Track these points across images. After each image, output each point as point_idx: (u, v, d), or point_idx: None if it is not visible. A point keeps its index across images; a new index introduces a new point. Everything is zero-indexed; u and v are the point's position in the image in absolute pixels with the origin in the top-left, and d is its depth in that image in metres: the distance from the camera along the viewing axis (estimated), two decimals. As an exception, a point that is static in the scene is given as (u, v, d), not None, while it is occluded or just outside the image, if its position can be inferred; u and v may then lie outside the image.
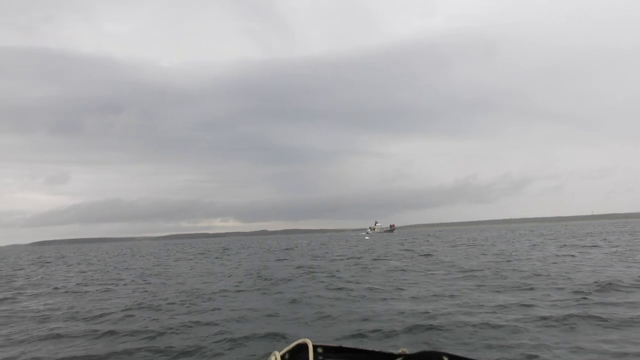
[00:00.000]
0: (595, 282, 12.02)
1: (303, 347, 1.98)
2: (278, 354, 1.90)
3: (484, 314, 8.97)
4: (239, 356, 7.12)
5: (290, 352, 2.00)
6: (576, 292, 10.83)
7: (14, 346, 8.13)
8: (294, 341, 2.05)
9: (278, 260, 29.23)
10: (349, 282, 15.10)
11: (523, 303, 9.82)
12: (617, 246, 27.15)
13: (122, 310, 10.98)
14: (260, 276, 17.90)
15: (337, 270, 19.33)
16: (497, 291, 11.82)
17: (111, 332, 8.72)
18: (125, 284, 17.51)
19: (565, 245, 30.92)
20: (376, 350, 2.01)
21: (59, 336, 8.66)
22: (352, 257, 28.22)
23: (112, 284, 17.94)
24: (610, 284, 11.62)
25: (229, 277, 18.66)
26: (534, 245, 32.84)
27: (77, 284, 18.29)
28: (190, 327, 8.96)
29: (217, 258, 35.12)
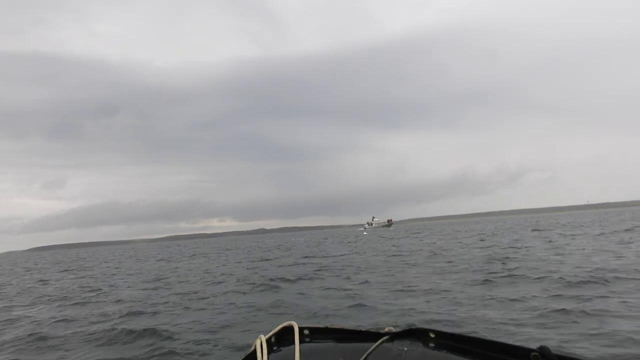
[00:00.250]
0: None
1: (289, 330, 1.96)
2: (263, 337, 1.87)
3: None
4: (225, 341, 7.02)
5: (277, 334, 1.99)
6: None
7: None
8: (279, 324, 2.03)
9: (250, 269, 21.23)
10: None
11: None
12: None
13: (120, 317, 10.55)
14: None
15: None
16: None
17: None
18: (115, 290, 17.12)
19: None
20: (363, 329, 1.98)
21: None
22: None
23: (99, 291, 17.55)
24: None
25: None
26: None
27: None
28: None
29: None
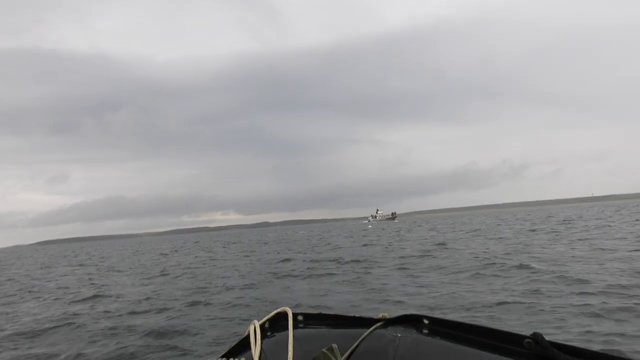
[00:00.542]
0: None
1: (283, 316, 1.97)
2: (257, 323, 1.88)
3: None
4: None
5: (270, 320, 1.98)
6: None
7: None
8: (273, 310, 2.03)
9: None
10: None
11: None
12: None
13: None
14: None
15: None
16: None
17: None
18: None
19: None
20: (356, 315, 1.98)
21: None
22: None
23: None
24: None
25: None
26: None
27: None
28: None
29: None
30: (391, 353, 1.77)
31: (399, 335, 1.83)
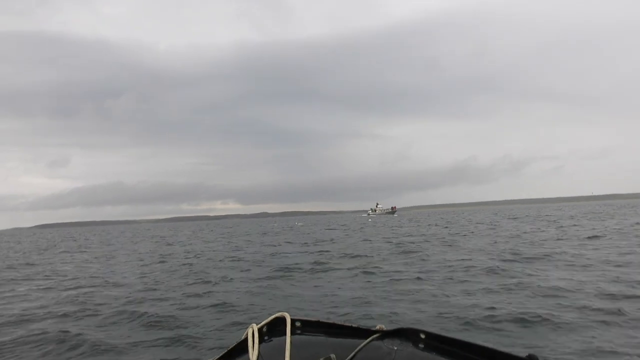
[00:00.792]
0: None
1: (281, 321, 1.98)
2: (255, 327, 1.89)
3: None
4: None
5: (268, 324, 1.99)
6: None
7: None
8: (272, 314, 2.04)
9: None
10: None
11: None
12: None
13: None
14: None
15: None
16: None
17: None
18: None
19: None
20: (354, 325, 1.99)
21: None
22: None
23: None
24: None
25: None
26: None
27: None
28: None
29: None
30: None
31: (395, 348, 1.83)
